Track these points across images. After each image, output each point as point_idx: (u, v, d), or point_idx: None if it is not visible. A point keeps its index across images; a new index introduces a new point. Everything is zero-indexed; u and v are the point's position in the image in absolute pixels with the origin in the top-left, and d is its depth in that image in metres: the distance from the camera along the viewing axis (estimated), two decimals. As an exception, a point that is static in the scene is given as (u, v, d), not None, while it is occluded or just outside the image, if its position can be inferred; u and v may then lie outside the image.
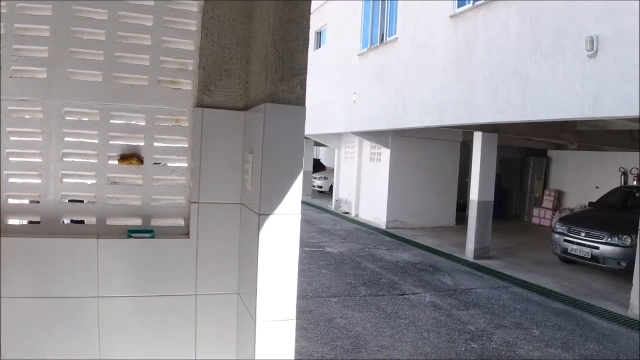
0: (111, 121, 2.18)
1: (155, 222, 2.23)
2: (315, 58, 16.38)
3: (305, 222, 13.25)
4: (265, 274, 1.93)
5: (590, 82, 5.83)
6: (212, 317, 2.24)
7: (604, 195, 11.05)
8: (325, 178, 21.48)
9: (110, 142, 2.17)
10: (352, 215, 14.96)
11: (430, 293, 7.00)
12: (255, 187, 1.96)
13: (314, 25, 16.77)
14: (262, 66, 1.99)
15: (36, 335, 2.10)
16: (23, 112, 2.12)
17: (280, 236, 1.94)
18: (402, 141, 13.02)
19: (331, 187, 18.08)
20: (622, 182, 13.24)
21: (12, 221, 2.14)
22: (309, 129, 16.32)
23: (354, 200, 15.05)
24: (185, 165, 2.23)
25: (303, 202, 16.22)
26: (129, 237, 2.16)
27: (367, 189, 14.50)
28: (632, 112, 5.34)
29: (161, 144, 2.23)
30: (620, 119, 6.18)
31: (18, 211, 2.16)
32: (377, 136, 12.95)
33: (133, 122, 2.21)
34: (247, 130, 2.17)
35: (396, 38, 11.00)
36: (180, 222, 2.24)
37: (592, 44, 5.74)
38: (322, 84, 15.40)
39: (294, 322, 1.99)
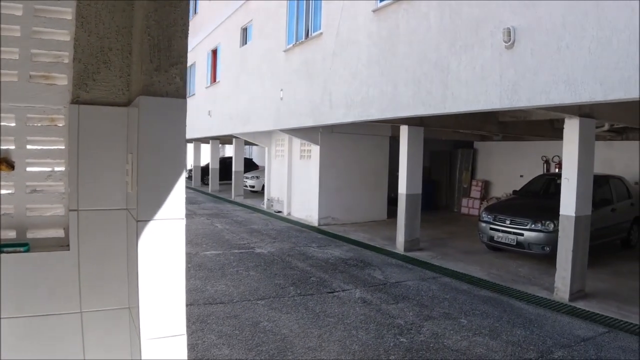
0: (-24, 122, 1.91)
1: (31, 234, 1.98)
2: (241, 55, 16.09)
3: (236, 222, 12.98)
4: (148, 286, 1.73)
5: (508, 73, 5.92)
6: (102, 336, 2.00)
7: (527, 184, 11.40)
8: (257, 177, 21.20)
9: (-24, 147, 1.91)
10: (285, 214, 14.78)
11: (360, 289, 6.93)
12: (135, 190, 1.76)
13: (240, 21, 16.46)
14: (139, 56, 1.78)
15: None
16: None
17: (163, 244, 1.74)
18: (332, 137, 13.00)
19: (264, 187, 17.83)
20: (545, 170, 13.78)
21: None
22: (238, 128, 16.07)
23: (285, 198, 14.88)
24: (63, 169, 1.99)
25: (235, 203, 16.05)
26: (1, 252, 1.90)
27: (298, 186, 14.38)
28: (547, 102, 5.45)
29: (35, 147, 1.98)
30: (537, 108, 6.31)
31: None
32: (307, 133, 12.84)
33: (2, 124, 1.95)
34: (129, 127, 1.95)
35: (321, 33, 10.90)
36: (60, 232, 2.00)
37: (509, 36, 5.81)
38: (249, 82, 15.12)
39: (185, 337, 1.79)
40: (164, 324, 1.76)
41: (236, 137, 18.56)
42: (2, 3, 1.90)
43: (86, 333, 1.99)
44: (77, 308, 1.97)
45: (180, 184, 1.76)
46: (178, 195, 1.75)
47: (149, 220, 1.71)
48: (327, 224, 12.90)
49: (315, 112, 10.85)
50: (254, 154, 32.11)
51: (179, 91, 1.75)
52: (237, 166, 19.64)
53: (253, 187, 21.24)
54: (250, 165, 24.67)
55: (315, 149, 13.13)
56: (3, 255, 1.89)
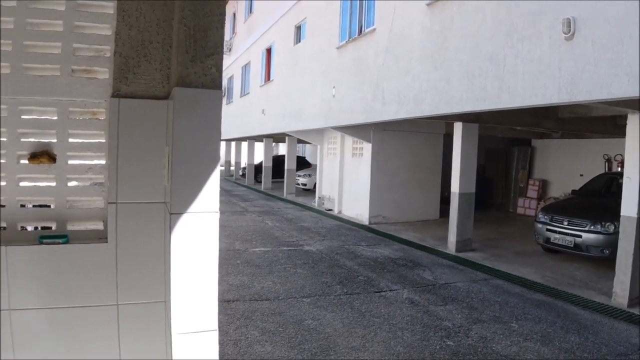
0: (21, 117, 1.96)
1: (72, 226, 2.02)
2: (295, 53, 16.16)
3: (286, 220, 13.04)
4: (180, 280, 1.72)
5: (567, 65, 5.66)
6: (138, 329, 2.02)
7: (587, 183, 10.94)
8: (309, 175, 21.28)
9: (21, 140, 1.96)
10: (335, 212, 14.75)
11: (408, 289, 6.80)
12: (170, 183, 1.75)
13: (294, 20, 16.54)
14: (176, 47, 1.77)
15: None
16: None
17: (196, 237, 1.73)
18: (384, 135, 12.84)
19: (315, 185, 17.86)
20: (606, 169, 13.15)
21: None
22: (290, 126, 16.15)
23: (336, 196, 14.85)
24: (103, 162, 2.01)
25: (287, 201, 16.20)
26: (41, 243, 1.94)
27: (349, 184, 14.32)
28: (609, 95, 5.18)
29: (76, 140, 2.02)
30: (598, 103, 6.01)
31: None
32: (359, 130, 12.74)
33: (45, 117, 2.00)
34: (168, 120, 1.95)
35: (374, 29, 10.80)
36: (99, 225, 2.03)
37: (569, 26, 5.56)
38: (302, 79, 15.17)
39: (216, 333, 1.77)
40: (196, 319, 1.76)
41: (289, 135, 18.67)
42: (47, -1, 1.95)
43: (122, 325, 2.01)
44: (114, 300, 2.00)
45: (215, 177, 1.74)
46: (212, 188, 1.73)
47: (182, 213, 1.71)
48: (378, 223, 12.77)
49: (367, 109, 10.76)
50: (307, 152, 32.28)
51: (214, 82, 1.73)
52: (289, 164, 19.73)
53: (305, 185, 21.33)
54: (302, 164, 24.80)
55: (367, 147, 13.02)
56: (43, 246, 1.93)
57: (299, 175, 21.45)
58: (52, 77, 1.97)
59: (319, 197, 16.34)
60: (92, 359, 2.00)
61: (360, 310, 5.85)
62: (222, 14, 1.76)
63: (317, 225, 12.48)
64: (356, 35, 11.78)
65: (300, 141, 20.41)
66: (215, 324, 1.77)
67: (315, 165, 20.24)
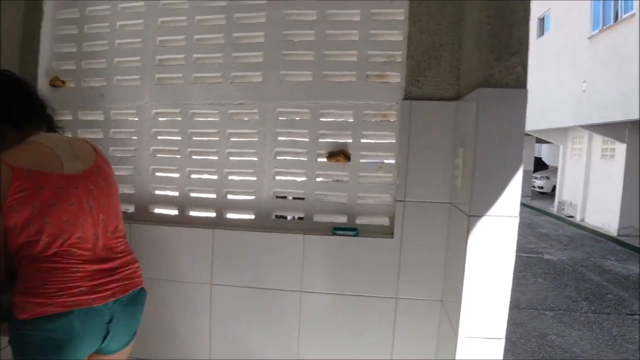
0: (320, 119, 2.22)
1: (360, 221, 2.22)
2: (537, 47, 15.25)
3: (523, 225, 12.42)
4: (473, 284, 1.73)
5: None
6: (412, 323, 2.15)
7: None
8: (547, 178, 19.92)
9: (319, 140, 2.22)
10: (577, 219, 13.53)
11: (669, 316, 5.97)
12: (466, 184, 1.77)
13: (536, 12, 15.60)
14: (475, 47, 1.78)
15: (241, 321, 2.27)
16: (241, 115, 2.28)
17: (493, 242, 1.71)
18: (643, 134, 11.34)
19: (553, 188, 16.65)
20: None
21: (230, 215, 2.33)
22: (529, 125, 15.20)
23: (579, 202, 13.60)
24: (393, 161, 2.17)
25: (521, 204, 15.38)
26: (334, 234, 2.18)
27: (596, 190, 12.97)
28: None
29: (368, 140, 2.21)
30: None
31: (235, 206, 2.32)
32: (611, 129, 11.43)
33: (341, 119, 2.22)
34: (458, 121, 2.00)
35: (633, 14, 9.65)
36: (385, 221, 2.19)
37: None
38: (545, 74, 14.23)
39: (503, 341, 1.74)
40: (484, 324, 1.74)
41: (527, 135, 17.70)
42: (343, 11, 2.15)
43: (398, 318, 2.14)
44: (394, 294, 2.14)
45: (517, 180, 1.68)
46: (513, 191, 1.68)
47: (481, 216, 1.69)
48: (629, 235, 11.35)
49: (626, 104, 9.62)
50: (543, 152, 30.25)
51: (519, 81, 1.68)
52: (525, 165, 18.67)
53: (542, 187, 20.06)
54: (539, 165, 23.30)
55: (621, 148, 11.65)
56: (335, 237, 2.15)
57: (535, 177, 20.28)
58: (348, 83, 2.18)
59: (559, 202, 15.20)
60: (367, 345, 2.18)
61: (611, 332, 5.33)
62: (527, 10, 1.67)
63: (556, 232, 11.67)
64: (611, 23, 10.65)
65: (538, 140, 19.21)
66: (503, 332, 1.73)
67: (553, 167, 18.86)
